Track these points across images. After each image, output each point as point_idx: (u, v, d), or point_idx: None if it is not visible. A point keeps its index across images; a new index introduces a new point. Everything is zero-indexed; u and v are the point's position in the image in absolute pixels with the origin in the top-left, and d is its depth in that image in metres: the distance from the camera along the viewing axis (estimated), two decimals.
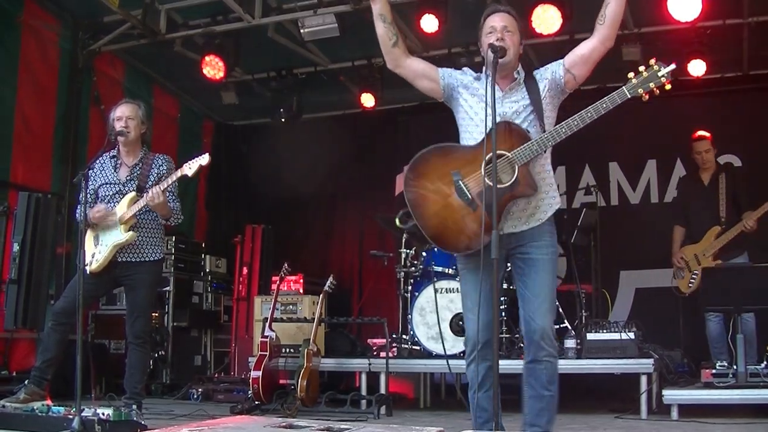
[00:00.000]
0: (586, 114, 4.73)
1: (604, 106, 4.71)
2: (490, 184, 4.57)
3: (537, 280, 4.93)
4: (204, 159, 6.72)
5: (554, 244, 5.05)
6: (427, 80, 5.25)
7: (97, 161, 7.08)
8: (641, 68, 4.78)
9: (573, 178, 11.94)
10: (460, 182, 4.91)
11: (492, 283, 4.68)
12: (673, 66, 4.76)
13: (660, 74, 4.73)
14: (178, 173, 6.77)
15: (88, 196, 6.82)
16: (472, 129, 5.07)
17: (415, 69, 5.27)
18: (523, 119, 4.96)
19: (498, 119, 4.71)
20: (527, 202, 4.94)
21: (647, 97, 4.74)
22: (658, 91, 4.74)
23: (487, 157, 4.69)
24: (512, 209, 4.92)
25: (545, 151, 4.88)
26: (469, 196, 4.89)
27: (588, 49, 4.96)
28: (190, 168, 6.70)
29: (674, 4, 9.03)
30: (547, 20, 9.12)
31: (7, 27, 9.70)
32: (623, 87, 4.75)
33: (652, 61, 4.77)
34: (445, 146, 5.13)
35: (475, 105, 5.08)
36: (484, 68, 5.09)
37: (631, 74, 4.77)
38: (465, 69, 5.28)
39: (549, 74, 5.06)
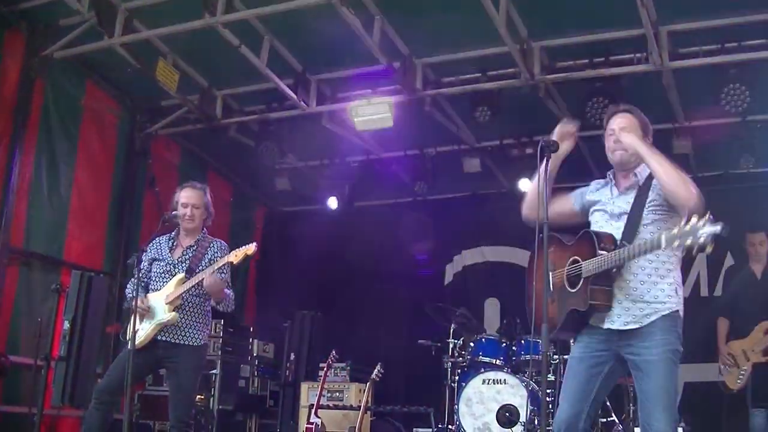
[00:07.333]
0: (631, 250, 4.63)
1: (645, 249, 4.58)
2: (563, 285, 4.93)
3: (651, 384, 4.70)
4: (250, 248, 6.70)
5: (668, 341, 4.79)
6: (568, 215, 5.31)
7: (153, 241, 7.11)
8: (693, 219, 4.19)
9: None
10: (549, 275, 5.00)
11: (591, 375, 4.90)
12: (717, 228, 4.11)
13: (699, 232, 4.13)
14: (224, 260, 6.74)
15: (142, 270, 6.84)
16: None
17: (557, 212, 5.14)
18: (621, 222, 4.92)
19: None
20: (623, 307, 4.82)
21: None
22: (695, 254, 4.28)
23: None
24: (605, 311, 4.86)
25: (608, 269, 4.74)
26: (551, 290, 4.99)
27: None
28: (236, 256, 6.68)
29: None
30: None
31: (69, 109, 9.95)
32: (662, 234, 4.40)
33: (706, 217, 4.17)
34: (557, 237, 5.14)
35: (599, 212, 5.14)
36: (609, 172, 5.19)
37: (682, 222, 4.25)
38: (592, 183, 5.31)
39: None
